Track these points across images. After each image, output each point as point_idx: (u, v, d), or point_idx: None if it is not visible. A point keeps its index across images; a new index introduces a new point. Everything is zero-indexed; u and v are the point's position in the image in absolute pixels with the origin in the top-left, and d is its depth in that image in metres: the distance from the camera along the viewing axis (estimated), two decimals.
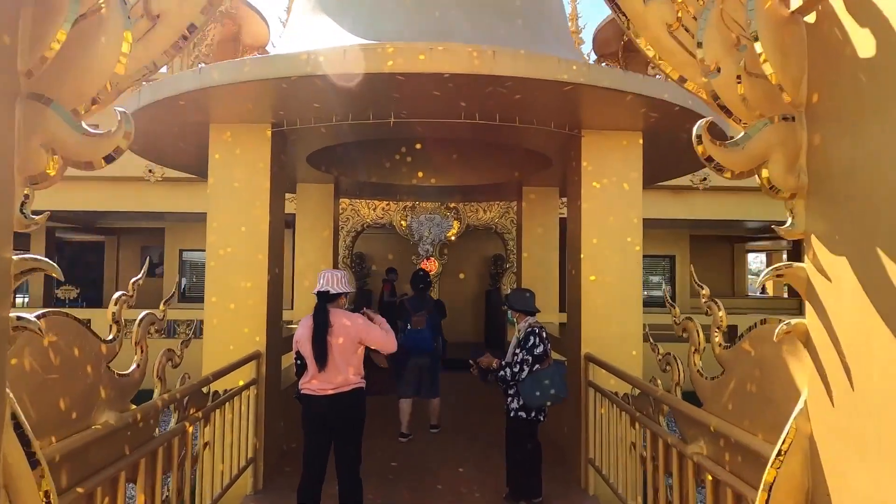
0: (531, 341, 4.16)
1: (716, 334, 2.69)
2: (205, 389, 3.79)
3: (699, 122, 1.50)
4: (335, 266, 7.74)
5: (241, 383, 4.42)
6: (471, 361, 4.44)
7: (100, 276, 16.63)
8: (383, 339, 3.62)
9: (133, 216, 12.17)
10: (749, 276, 21.32)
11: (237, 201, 4.64)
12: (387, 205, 9.91)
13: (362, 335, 3.58)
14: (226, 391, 4.01)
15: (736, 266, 16.56)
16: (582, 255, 4.70)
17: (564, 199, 8.24)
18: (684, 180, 9.69)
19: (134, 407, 2.65)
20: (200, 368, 4.61)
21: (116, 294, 2.62)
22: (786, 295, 22.42)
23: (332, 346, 3.54)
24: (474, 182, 7.69)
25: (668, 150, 5.16)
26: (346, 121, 4.37)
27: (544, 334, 4.20)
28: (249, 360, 4.46)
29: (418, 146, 7.18)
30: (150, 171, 9.28)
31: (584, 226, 4.71)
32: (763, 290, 23.44)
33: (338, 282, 3.71)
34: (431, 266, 10.05)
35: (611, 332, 4.66)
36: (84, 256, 18.15)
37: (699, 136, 1.46)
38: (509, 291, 4.38)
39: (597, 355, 4.54)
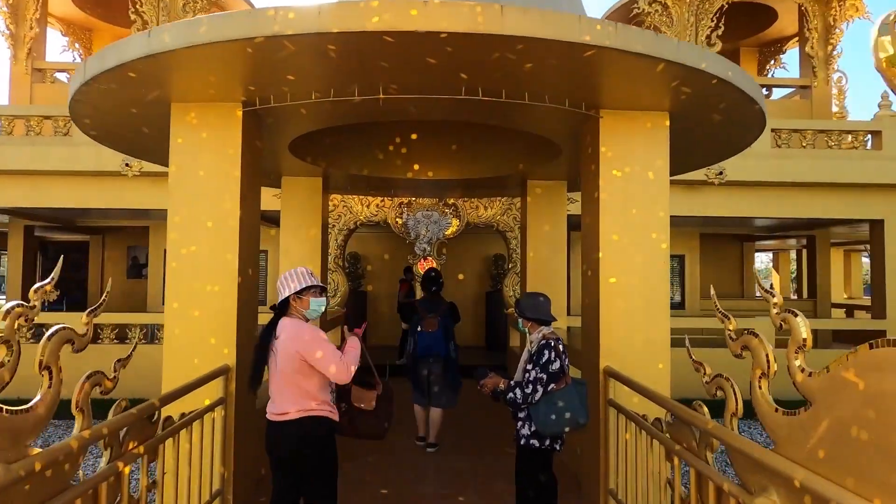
0: (546, 356, 3.49)
1: (795, 356, 2.08)
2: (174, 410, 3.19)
3: (883, 17, 0.87)
4: (323, 267, 7.12)
5: (207, 402, 3.81)
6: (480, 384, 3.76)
7: (88, 276, 16.00)
8: (327, 362, 2.89)
9: (115, 214, 11.54)
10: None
11: (202, 192, 4.02)
12: (381, 201, 9.30)
13: (304, 352, 2.93)
14: (183, 415, 3.38)
15: (745, 266, 15.97)
16: (600, 254, 4.08)
17: (572, 195, 7.65)
18: (699, 174, 9.09)
19: (37, 452, 2.03)
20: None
21: (7, 304, 2.01)
22: (793, 296, 21.83)
23: (277, 363, 3.00)
24: (474, 175, 7.07)
25: (695, 135, 4.55)
26: (328, 97, 3.75)
27: (561, 347, 3.55)
28: (216, 376, 3.84)
29: (414, 136, 6.60)
30: (126, 164, 8.65)
31: (603, 220, 4.09)
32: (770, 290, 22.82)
33: (281, 285, 3.09)
34: (429, 266, 9.42)
35: (634, 343, 4.05)
36: (69, 256, 17.51)
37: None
38: (520, 296, 3.74)
39: (618, 369, 3.92)
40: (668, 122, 4.13)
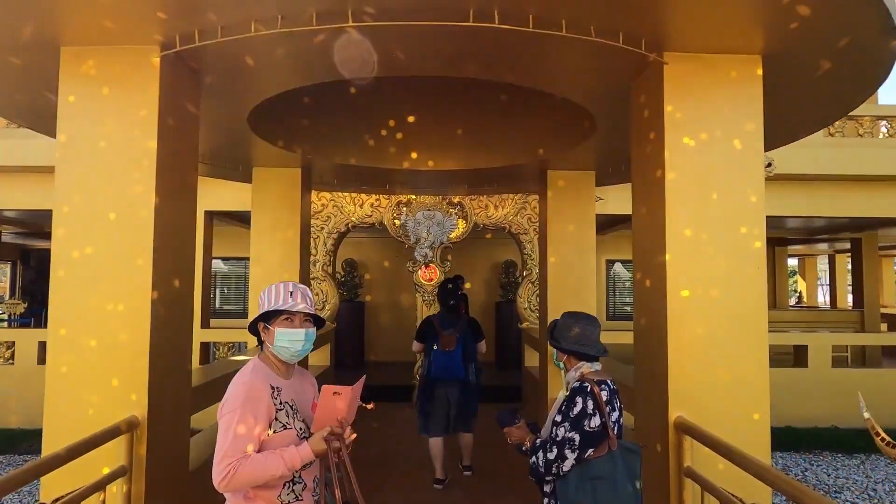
0: (578, 406, 2.39)
1: None
2: None
3: None
4: (303, 275, 5.93)
5: (106, 472, 2.64)
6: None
7: None
8: (220, 443, 1.86)
9: None
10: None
11: (103, 172, 2.86)
12: (376, 200, 8.12)
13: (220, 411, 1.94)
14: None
15: (777, 272, 14.67)
16: (667, 257, 2.87)
17: (596, 195, 6.45)
18: None
19: None
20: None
21: None
22: (824, 304, 20.46)
23: None
24: (484, 165, 5.88)
25: (790, 93, 3.33)
26: (275, 28, 2.58)
27: (606, 395, 2.43)
28: (116, 434, 2.65)
29: (411, 119, 5.45)
30: None
31: (670, 209, 2.89)
32: (799, 300, 21.51)
33: (259, 306, 2.07)
34: (431, 274, 8.24)
35: (718, 384, 2.83)
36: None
37: None
38: (558, 319, 2.55)
39: (695, 421, 2.71)
40: (760, 71, 2.93)
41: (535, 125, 5.13)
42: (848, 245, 14.39)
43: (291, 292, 2.02)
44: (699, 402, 2.80)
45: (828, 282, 19.08)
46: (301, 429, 1.98)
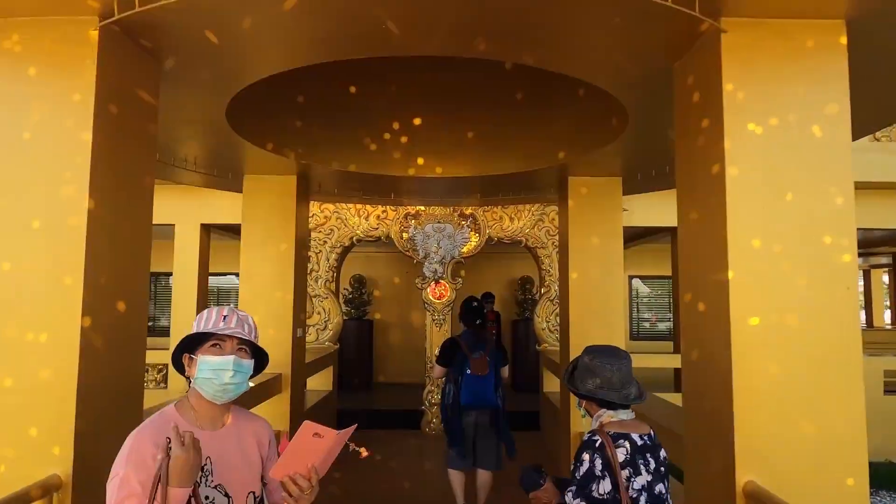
0: (585, 465, 1.99)
1: None
2: None
3: None
4: (298, 293, 5.37)
5: None
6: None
7: None
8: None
9: None
10: None
11: (27, 170, 2.33)
12: (382, 211, 7.58)
13: None
14: None
15: None
16: (730, 273, 2.25)
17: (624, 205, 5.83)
18: None
19: None
20: None
21: None
22: (865, 325, 19.42)
23: None
24: (497, 171, 5.31)
25: (879, 68, 2.72)
26: None
27: (625, 453, 2.02)
28: (31, 500, 2.08)
29: (417, 121, 4.93)
30: None
31: (733, 214, 2.28)
32: None
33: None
34: (442, 291, 7.65)
35: (797, 439, 2.19)
36: None
37: None
38: (578, 357, 1.95)
39: (774, 491, 2.07)
40: (844, 39, 2.33)
41: (555, 125, 4.57)
42: (885, 259, 13.54)
43: (226, 316, 1.57)
44: (775, 463, 2.17)
45: (862, 299, 18.13)
46: (210, 498, 1.47)
